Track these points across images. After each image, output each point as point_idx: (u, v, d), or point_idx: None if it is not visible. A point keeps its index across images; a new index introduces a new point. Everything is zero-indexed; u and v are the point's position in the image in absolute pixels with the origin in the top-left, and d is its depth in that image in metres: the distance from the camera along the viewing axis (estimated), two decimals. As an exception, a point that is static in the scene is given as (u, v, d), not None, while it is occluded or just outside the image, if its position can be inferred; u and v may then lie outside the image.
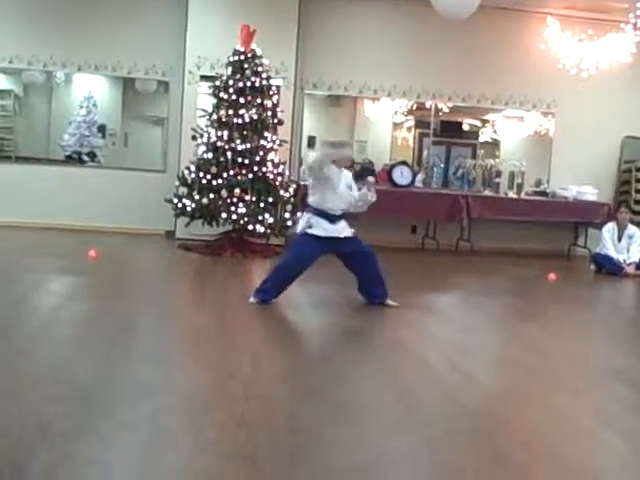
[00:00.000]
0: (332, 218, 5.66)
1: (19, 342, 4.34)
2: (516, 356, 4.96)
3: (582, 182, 10.39)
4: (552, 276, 8.14)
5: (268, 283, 5.78)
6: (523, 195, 10.40)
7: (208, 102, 8.95)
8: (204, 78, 9.46)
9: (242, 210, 8.27)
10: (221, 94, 8.61)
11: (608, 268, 8.99)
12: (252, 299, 5.73)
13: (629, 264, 8.97)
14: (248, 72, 8.58)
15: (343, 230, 5.72)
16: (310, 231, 5.65)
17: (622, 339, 5.81)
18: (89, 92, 10.08)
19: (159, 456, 2.84)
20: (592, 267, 9.24)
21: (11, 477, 2.54)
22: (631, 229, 9.24)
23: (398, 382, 4.07)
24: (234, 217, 8.29)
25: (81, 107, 10.10)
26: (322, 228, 5.63)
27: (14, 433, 2.93)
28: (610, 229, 9.24)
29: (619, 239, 9.17)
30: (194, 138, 8.71)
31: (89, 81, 10.05)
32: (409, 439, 3.24)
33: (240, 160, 8.39)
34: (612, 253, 9.06)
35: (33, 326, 4.77)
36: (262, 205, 8.39)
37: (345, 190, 5.75)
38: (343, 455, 2.97)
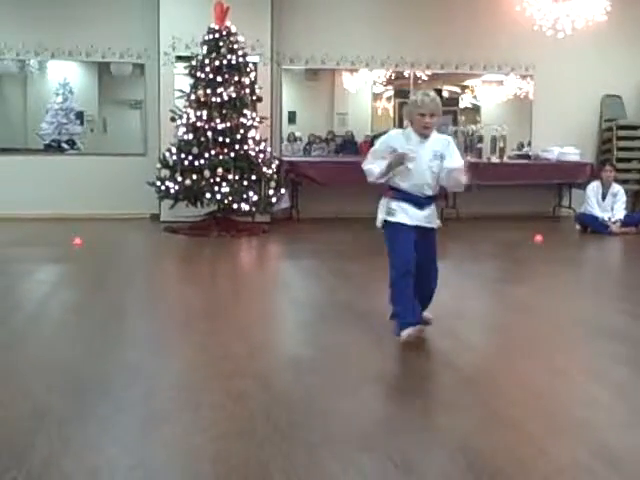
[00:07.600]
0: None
1: (10, 331, 4.32)
2: (507, 318, 5.00)
3: (564, 143, 10.42)
4: (538, 238, 8.18)
5: None
6: (506, 159, 10.41)
7: (185, 82, 8.88)
8: (180, 58, 9.35)
9: (226, 189, 8.24)
10: (198, 73, 8.54)
11: (593, 227, 9.04)
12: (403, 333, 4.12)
13: (614, 222, 9.03)
14: (224, 50, 8.51)
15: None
16: None
17: (612, 297, 5.83)
18: (64, 79, 9.96)
19: (156, 436, 2.85)
20: (577, 227, 9.29)
21: (11, 465, 2.54)
22: (615, 187, 9.28)
23: (389, 348, 4.09)
24: (218, 197, 8.26)
25: (57, 94, 9.99)
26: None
27: (11, 422, 2.93)
28: (594, 188, 9.27)
29: (603, 198, 9.21)
30: (173, 120, 8.64)
31: (64, 68, 9.93)
32: (405, 405, 3.28)
33: (221, 139, 8.34)
34: (597, 212, 9.10)
35: (24, 315, 4.76)
36: (245, 183, 8.36)
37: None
38: (342, 425, 2.99)
